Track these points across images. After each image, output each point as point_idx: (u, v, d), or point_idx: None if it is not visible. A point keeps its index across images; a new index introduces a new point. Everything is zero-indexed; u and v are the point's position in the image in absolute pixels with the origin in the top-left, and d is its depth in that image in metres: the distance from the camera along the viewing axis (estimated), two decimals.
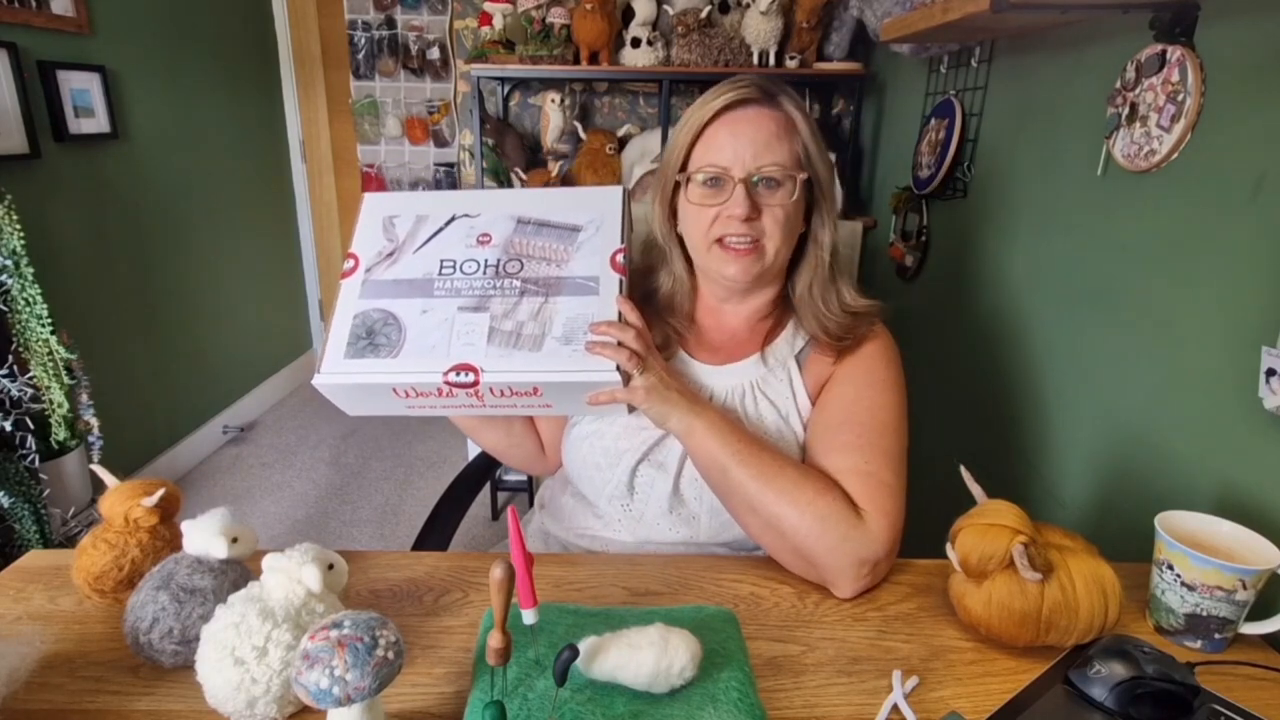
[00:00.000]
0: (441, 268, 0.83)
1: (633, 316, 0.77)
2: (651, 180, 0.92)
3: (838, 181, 2.08)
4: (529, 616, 0.63)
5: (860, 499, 0.79)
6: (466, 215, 0.87)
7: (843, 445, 0.83)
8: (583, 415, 0.93)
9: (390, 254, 0.85)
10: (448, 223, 0.87)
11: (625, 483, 0.91)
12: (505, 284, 0.81)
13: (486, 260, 0.83)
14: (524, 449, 1.04)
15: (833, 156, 2.08)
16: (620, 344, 0.74)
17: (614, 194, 0.87)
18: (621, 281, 0.80)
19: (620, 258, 0.82)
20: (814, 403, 0.90)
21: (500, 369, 0.75)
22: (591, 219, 0.85)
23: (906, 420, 0.87)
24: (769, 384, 0.91)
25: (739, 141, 0.83)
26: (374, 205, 0.89)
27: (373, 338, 0.79)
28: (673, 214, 0.93)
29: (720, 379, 0.92)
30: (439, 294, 0.81)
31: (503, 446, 1.04)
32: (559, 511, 1.01)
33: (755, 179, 0.84)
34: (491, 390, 0.77)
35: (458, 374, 0.75)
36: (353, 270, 0.84)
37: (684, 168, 0.88)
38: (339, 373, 0.77)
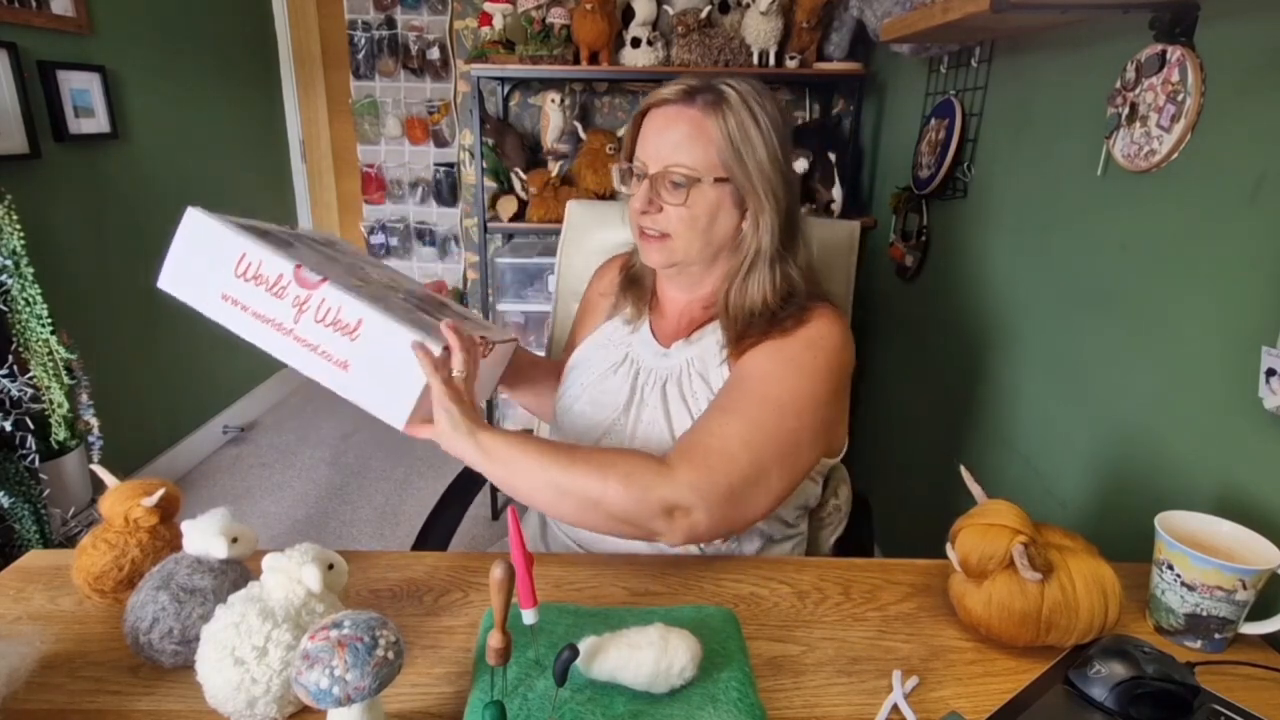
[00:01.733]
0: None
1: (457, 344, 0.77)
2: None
3: (837, 183, 2.08)
4: (529, 616, 0.63)
5: (675, 454, 0.78)
6: (337, 254, 0.93)
7: (717, 405, 0.83)
8: (369, 400, 0.79)
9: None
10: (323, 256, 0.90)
11: None
12: (393, 297, 0.85)
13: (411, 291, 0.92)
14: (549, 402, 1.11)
15: (832, 156, 2.10)
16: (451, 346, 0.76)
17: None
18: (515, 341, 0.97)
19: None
20: None
21: (342, 291, 0.76)
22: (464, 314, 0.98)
23: (813, 410, 0.83)
24: (705, 369, 0.92)
25: (657, 139, 0.88)
26: (192, 233, 0.89)
27: (264, 236, 0.82)
28: None
29: (664, 360, 0.96)
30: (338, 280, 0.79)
31: (533, 403, 1.15)
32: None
33: (665, 177, 0.87)
34: (324, 304, 0.76)
35: (307, 271, 0.77)
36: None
37: (629, 158, 0.93)
38: (211, 219, 0.81)
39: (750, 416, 0.81)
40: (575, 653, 0.59)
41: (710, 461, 0.77)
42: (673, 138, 0.86)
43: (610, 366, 1.00)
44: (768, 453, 0.79)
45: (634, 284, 1.04)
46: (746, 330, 0.89)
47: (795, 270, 0.91)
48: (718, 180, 0.86)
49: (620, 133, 2.30)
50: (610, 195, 2.10)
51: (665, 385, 0.94)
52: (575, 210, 1.33)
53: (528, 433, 0.89)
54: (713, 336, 0.93)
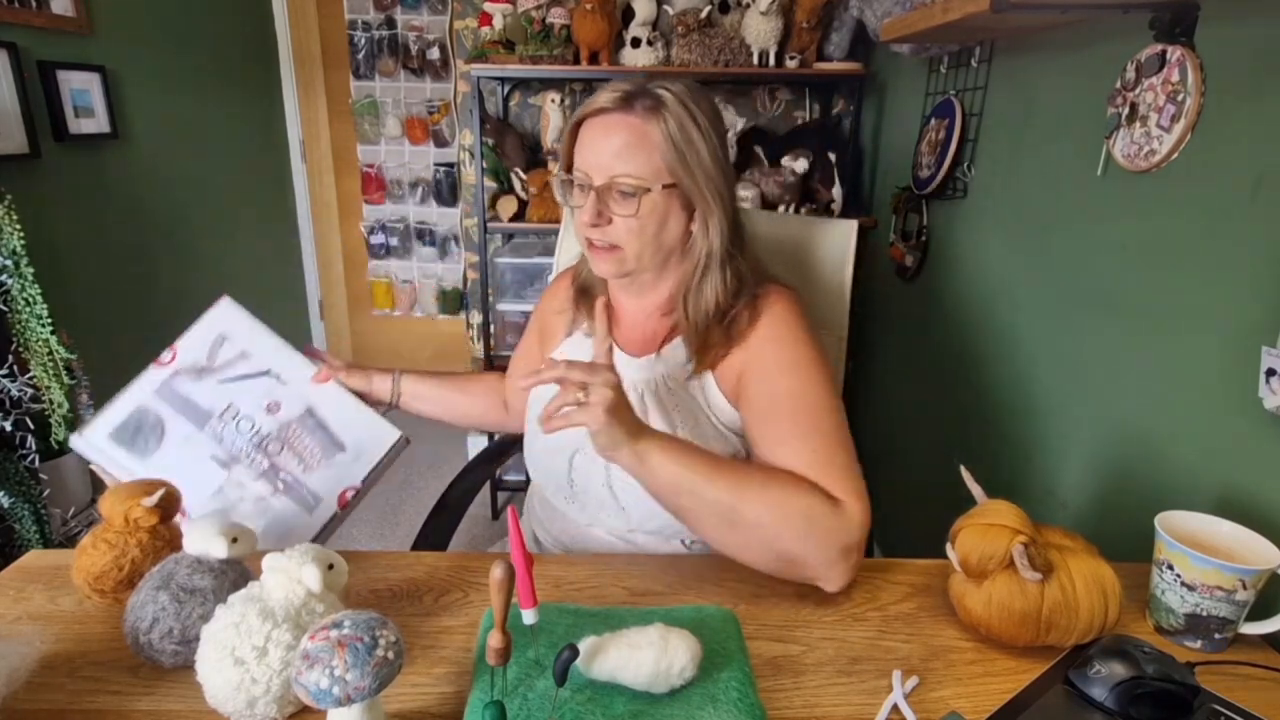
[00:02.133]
0: (226, 410, 0.96)
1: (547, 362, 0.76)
2: None
3: (837, 183, 2.08)
4: (529, 616, 0.63)
5: (828, 488, 0.77)
6: (278, 378, 1.00)
7: (782, 439, 0.82)
8: None
9: (200, 370, 0.98)
10: (259, 374, 1.00)
11: (565, 474, 0.94)
12: (257, 458, 0.94)
13: (261, 429, 0.96)
14: (489, 412, 1.18)
15: (832, 156, 2.10)
16: (564, 380, 0.72)
17: (389, 437, 1.02)
18: (337, 514, 0.95)
19: (350, 494, 0.96)
20: (730, 397, 0.90)
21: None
22: (357, 446, 0.99)
23: (832, 389, 0.85)
24: (677, 381, 0.91)
25: (597, 149, 0.85)
26: (219, 316, 1.03)
27: (135, 436, 0.92)
28: None
29: (640, 370, 0.93)
30: (207, 431, 0.94)
31: (476, 413, 1.19)
32: (531, 513, 1.07)
33: (611, 188, 0.85)
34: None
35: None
36: (169, 362, 0.98)
37: (568, 169, 0.90)
38: (91, 447, 0.92)
39: (823, 431, 0.81)
40: (575, 653, 0.59)
41: (852, 487, 0.77)
42: (613, 146, 0.84)
43: None
44: (853, 453, 0.82)
45: (585, 294, 1.01)
46: (708, 337, 0.88)
47: (744, 264, 0.91)
48: (665, 187, 0.85)
49: None
50: None
51: (644, 397, 0.91)
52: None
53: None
54: (681, 350, 0.92)
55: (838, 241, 1.23)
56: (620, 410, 0.72)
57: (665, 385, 0.92)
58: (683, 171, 0.85)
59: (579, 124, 0.88)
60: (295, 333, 3.48)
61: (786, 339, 0.87)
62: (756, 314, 0.89)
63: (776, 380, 0.85)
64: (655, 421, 0.89)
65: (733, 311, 0.89)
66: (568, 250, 1.32)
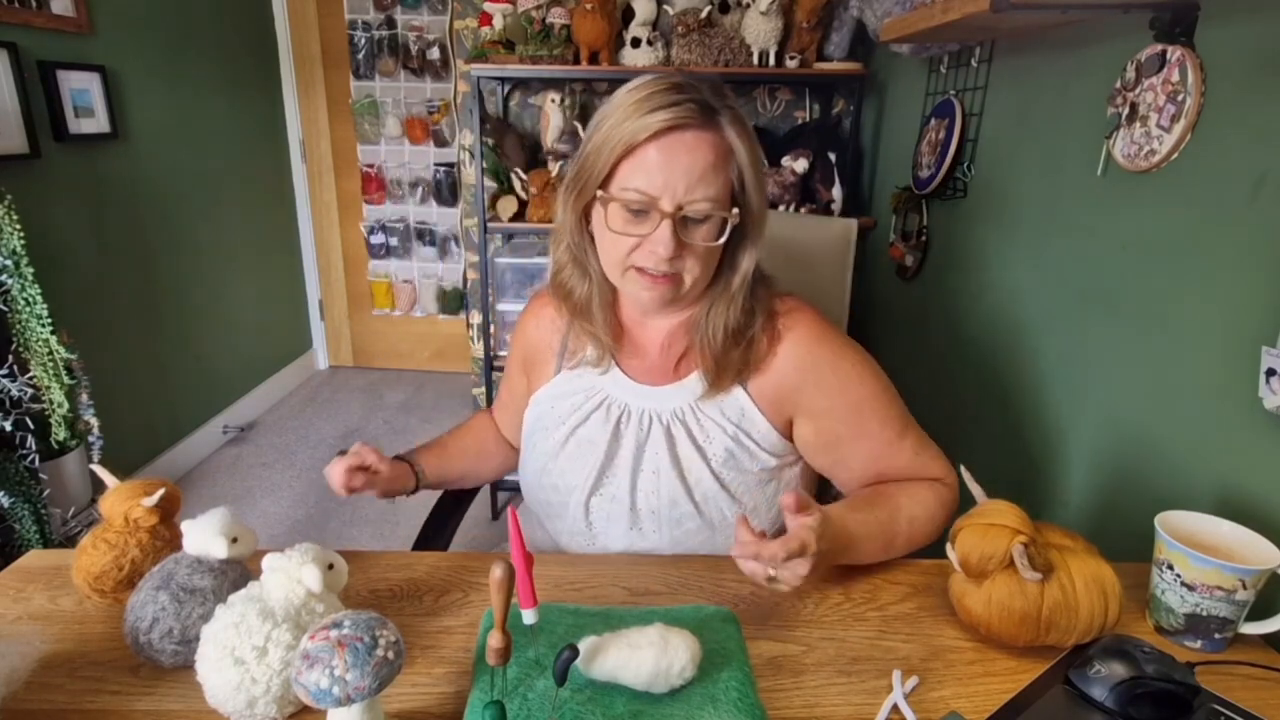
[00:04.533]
0: None
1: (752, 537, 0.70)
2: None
3: (838, 183, 2.08)
4: (529, 616, 0.63)
5: (919, 469, 0.88)
6: None
7: (866, 438, 0.88)
8: None
9: None
10: None
11: (581, 518, 0.90)
12: None
13: None
14: (510, 457, 1.12)
15: (832, 156, 2.10)
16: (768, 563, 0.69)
17: None
18: None
19: None
20: (774, 418, 0.88)
21: None
22: None
23: (880, 370, 0.90)
24: (713, 402, 0.87)
25: (672, 170, 0.75)
26: None
27: None
28: (585, 215, 0.85)
29: (664, 399, 0.88)
30: None
31: (487, 472, 1.12)
32: (529, 513, 1.03)
33: (683, 213, 0.77)
34: None
35: None
36: None
37: (606, 183, 0.79)
38: None
39: (892, 417, 0.88)
40: (575, 653, 0.59)
41: (934, 455, 0.90)
42: (696, 168, 0.75)
43: (581, 417, 0.90)
44: (912, 419, 0.90)
45: (583, 316, 0.89)
46: (724, 359, 0.85)
47: (761, 284, 0.88)
48: (735, 211, 0.79)
49: None
50: None
51: (670, 427, 0.87)
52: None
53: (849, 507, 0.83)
54: (698, 379, 0.88)
55: (838, 241, 1.23)
56: (823, 560, 0.72)
57: (693, 412, 0.88)
58: (752, 194, 0.80)
59: (636, 141, 0.76)
60: (295, 332, 3.49)
61: (827, 351, 0.87)
62: (777, 335, 0.87)
63: (848, 393, 0.87)
64: (685, 450, 0.87)
65: (749, 333, 0.86)
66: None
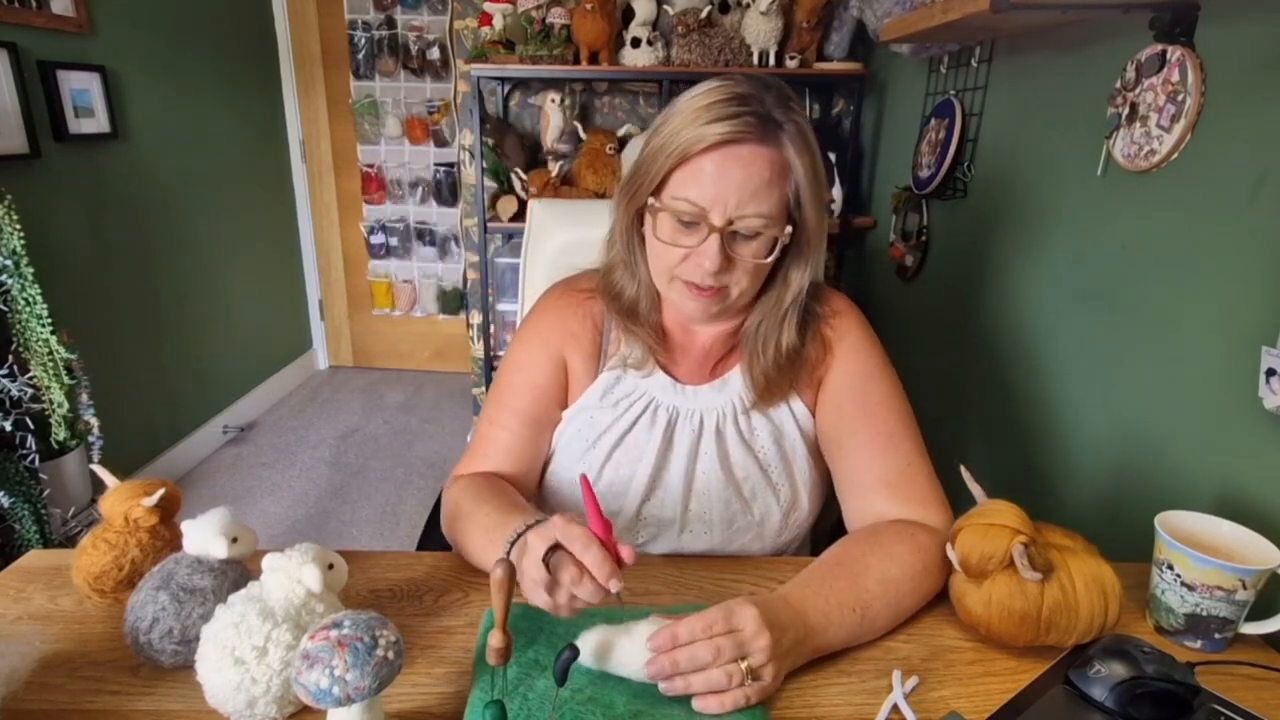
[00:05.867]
0: None
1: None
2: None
3: (838, 183, 2.08)
4: (613, 586, 0.60)
5: (915, 501, 0.82)
6: None
7: (866, 443, 0.85)
8: None
9: None
10: None
11: (631, 528, 0.89)
12: None
13: None
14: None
15: (832, 156, 2.10)
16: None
17: None
18: None
19: None
20: (811, 405, 0.89)
21: None
22: None
23: (905, 395, 0.88)
24: (750, 404, 0.88)
25: (725, 183, 0.74)
26: None
27: None
28: (638, 218, 0.84)
29: (708, 399, 0.87)
30: None
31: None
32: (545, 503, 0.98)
33: (733, 228, 0.75)
34: None
35: None
36: None
37: (659, 191, 0.78)
38: None
39: (904, 436, 0.85)
40: (575, 653, 0.59)
41: (932, 494, 0.83)
42: (750, 183, 0.73)
43: (627, 424, 0.88)
44: (924, 449, 0.86)
45: (631, 318, 0.88)
46: (775, 376, 0.85)
47: (814, 298, 0.87)
48: (789, 228, 0.77)
49: (621, 132, 2.30)
50: (610, 196, 2.09)
51: (720, 428, 0.87)
52: (537, 210, 1.24)
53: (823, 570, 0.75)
54: (739, 378, 0.88)
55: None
56: (788, 658, 0.65)
57: (739, 410, 0.87)
58: (808, 209, 0.78)
59: (690, 152, 0.74)
60: (295, 332, 3.49)
61: (864, 344, 0.88)
62: (827, 347, 0.87)
63: (861, 383, 0.86)
64: (735, 449, 0.87)
65: (804, 350, 0.86)
66: (532, 253, 1.26)
